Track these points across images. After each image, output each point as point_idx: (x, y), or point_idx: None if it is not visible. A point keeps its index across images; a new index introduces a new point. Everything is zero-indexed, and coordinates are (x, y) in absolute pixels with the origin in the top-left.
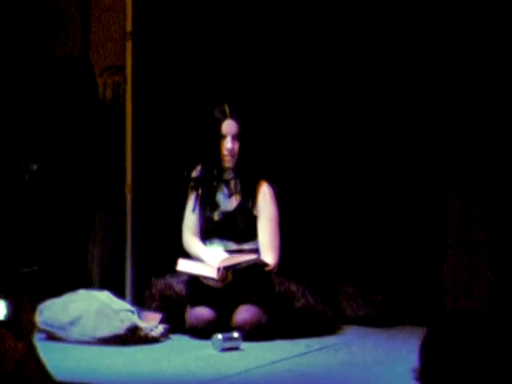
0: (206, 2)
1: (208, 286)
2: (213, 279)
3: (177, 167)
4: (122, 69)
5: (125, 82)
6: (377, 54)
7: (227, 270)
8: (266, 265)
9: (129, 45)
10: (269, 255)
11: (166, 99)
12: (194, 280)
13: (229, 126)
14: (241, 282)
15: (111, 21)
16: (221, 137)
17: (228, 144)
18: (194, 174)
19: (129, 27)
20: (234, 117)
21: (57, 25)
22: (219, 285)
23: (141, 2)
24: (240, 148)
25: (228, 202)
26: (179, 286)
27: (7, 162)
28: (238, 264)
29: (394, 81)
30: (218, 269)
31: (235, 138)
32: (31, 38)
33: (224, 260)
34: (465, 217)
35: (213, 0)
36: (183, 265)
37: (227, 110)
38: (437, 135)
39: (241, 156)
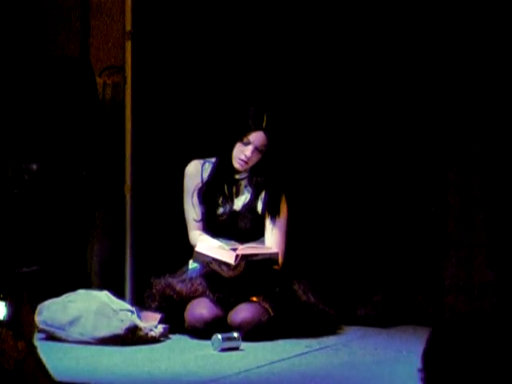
0: (205, 1)
1: (217, 281)
2: (228, 265)
3: (177, 167)
4: (122, 69)
5: (124, 81)
6: (378, 63)
7: (243, 260)
8: (277, 263)
9: (128, 44)
10: None
11: (166, 99)
12: (208, 274)
13: (257, 137)
14: (251, 273)
15: (110, 20)
16: (242, 141)
17: (248, 152)
18: (202, 170)
19: (128, 27)
20: (267, 130)
21: (56, 25)
22: (230, 273)
23: (140, 1)
24: (260, 161)
25: (235, 201)
26: (179, 286)
27: (7, 161)
28: (256, 255)
29: (394, 87)
30: (237, 256)
31: (257, 149)
32: (30, 37)
33: (244, 248)
34: (465, 217)
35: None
36: (202, 247)
37: (264, 121)
38: (437, 137)
39: (260, 168)
